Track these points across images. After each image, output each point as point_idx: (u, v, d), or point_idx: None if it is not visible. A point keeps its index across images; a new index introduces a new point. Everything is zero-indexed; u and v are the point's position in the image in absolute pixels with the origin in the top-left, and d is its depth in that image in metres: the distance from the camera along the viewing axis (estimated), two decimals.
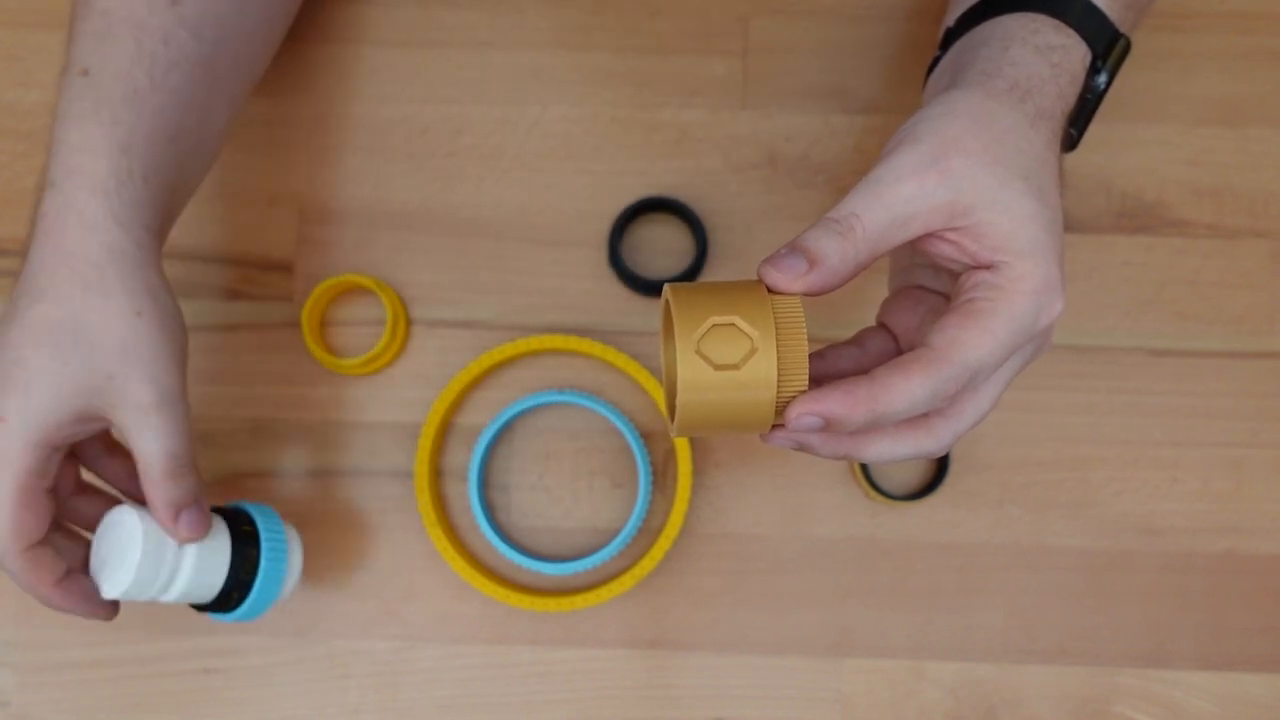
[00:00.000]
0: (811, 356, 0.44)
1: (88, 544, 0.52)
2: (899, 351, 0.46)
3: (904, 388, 0.39)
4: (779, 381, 0.40)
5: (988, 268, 0.41)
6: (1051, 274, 0.41)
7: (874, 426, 0.40)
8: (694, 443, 0.62)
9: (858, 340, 0.46)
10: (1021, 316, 0.41)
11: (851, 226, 0.40)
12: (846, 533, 0.62)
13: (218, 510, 0.54)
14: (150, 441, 0.49)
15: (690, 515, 0.62)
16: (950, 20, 0.51)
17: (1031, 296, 0.41)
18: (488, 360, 0.61)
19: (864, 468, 0.61)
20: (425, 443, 0.61)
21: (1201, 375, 0.62)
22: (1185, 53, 0.64)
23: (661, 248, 0.64)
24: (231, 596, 0.53)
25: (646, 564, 0.60)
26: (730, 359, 0.39)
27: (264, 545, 0.53)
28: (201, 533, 0.51)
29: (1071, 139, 0.48)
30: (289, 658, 0.61)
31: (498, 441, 0.63)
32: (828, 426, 0.40)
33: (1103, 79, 0.47)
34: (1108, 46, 0.47)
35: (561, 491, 0.62)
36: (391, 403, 0.63)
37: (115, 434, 0.53)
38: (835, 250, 0.40)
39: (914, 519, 0.62)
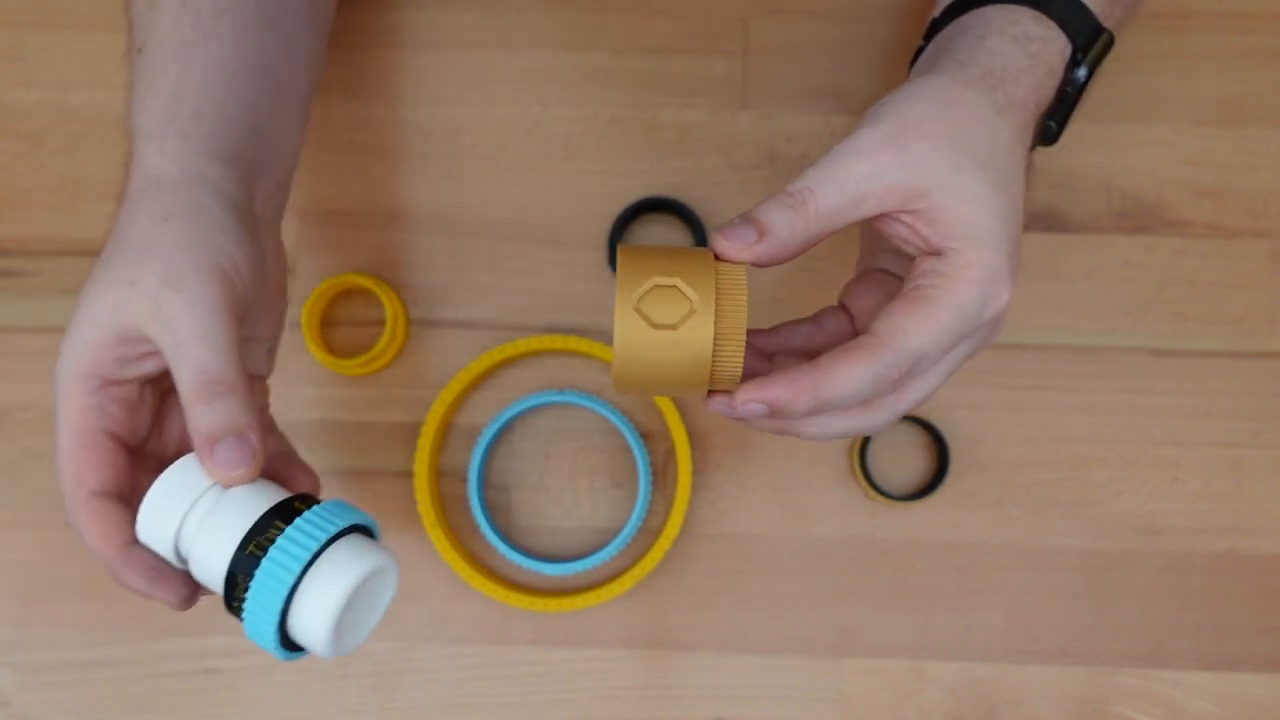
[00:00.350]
0: (765, 331, 0.46)
1: None
2: (855, 333, 0.46)
3: (847, 374, 0.40)
4: (715, 345, 0.41)
5: (937, 254, 0.42)
6: (999, 264, 0.41)
7: (819, 412, 0.41)
8: (694, 442, 0.62)
9: (815, 319, 0.47)
10: (967, 305, 0.41)
11: (805, 201, 0.41)
12: (846, 533, 0.62)
13: (301, 498, 0.43)
14: (178, 356, 0.43)
15: (690, 515, 0.62)
16: (937, 11, 0.51)
17: (978, 285, 0.41)
18: (488, 360, 0.61)
19: (864, 468, 0.61)
20: (425, 443, 0.61)
21: (1201, 375, 0.62)
22: (1185, 53, 0.64)
23: None
24: (236, 583, 0.41)
25: (646, 564, 0.60)
26: (668, 319, 0.40)
27: (285, 534, 0.41)
28: (239, 469, 0.42)
29: (1051, 132, 0.48)
30: None
31: (498, 441, 0.63)
32: (773, 413, 0.41)
33: (1083, 72, 0.47)
34: (1090, 40, 0.47)
35: (561, 491, 0.62)
36: (391, 403, 0.63)
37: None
38: (786, 223, 0.41)
39: (914, 519, 0.62)
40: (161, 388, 0.47)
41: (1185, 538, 0.61)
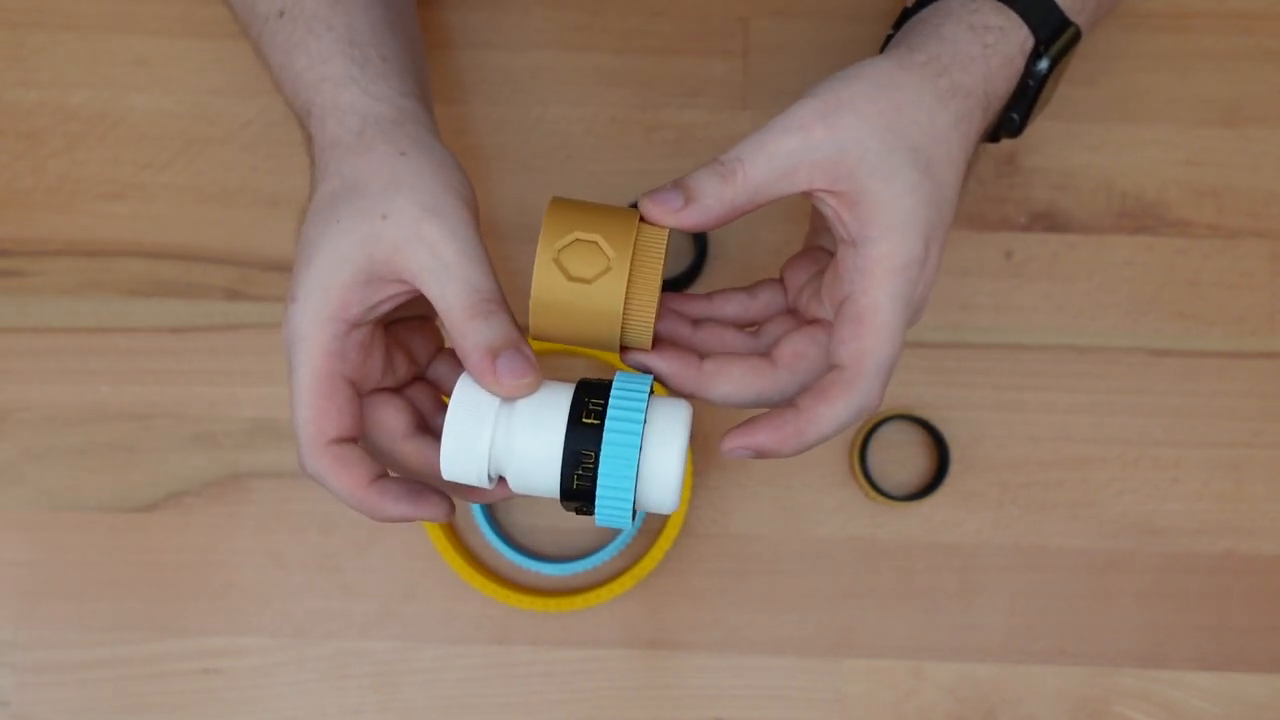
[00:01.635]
0: (700, 297, 0.47)
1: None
2: (788, 307, 0.47)
3: (829, 415, 0.42)
4: (626, 304, 0.42)
5: (854, 245, 0.42)
6: (916, 249, 0.42)
7: (806, 450, 0.43)
8: (694, 443, 0.62)
9: (751, 289, 0.48)
10: (899, 295, 0.42)
11: (734, 171, 0.42)
12: (846, 533, 0.62)
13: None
14: (444, 279, 0.43)
15: (690, 515, 0.62)
16: (910, 1, 0.51)
17: (901, 273, 0.42)
18: None
19: (864, 468, 0.61)
20: None
21: (1202, 375, 0.62)
22: (1185, 53, 0.64)
23: None
24: (575, 486, 0.42)
25: (646, 564, 0.60)
26: (584, 273, 0.42)
27: (610, 415, 0.41)
28: (525, 377, 0.42)
29: (1013, 124, 0.48)
30: (289, 658, 0.61)
31: None
32: (759, 456, 0.42)
33: (1044, 64, 0.47)
34: (1054, 34, 0.47)
35: None
36: None
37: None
38: (713, 192, 0.42)
39: (914, 519, 0.62)
40: (382, 328, 0.47)
41: (1185, 538, 0.61)
